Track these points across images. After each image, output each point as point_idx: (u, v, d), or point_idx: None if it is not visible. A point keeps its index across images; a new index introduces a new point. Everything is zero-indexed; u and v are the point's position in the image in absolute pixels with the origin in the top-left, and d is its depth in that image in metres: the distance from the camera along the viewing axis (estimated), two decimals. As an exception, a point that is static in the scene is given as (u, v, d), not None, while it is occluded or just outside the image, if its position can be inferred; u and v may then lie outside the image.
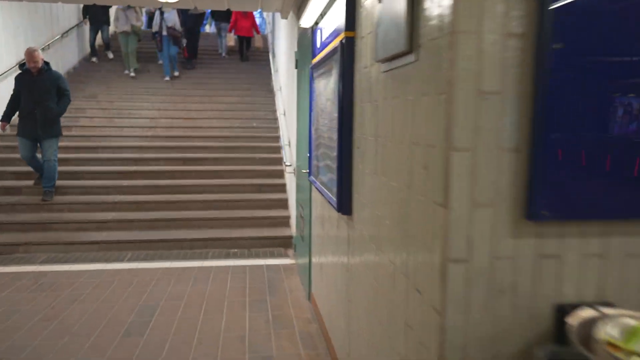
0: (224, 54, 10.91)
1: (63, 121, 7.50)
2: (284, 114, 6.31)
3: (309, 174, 3.07)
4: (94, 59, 9.68)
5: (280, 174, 6.37)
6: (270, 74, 9.65)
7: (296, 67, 4.35)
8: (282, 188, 6.04)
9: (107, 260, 4.56)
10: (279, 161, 6.67)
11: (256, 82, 9.26)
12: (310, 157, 3.05)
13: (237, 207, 5.64)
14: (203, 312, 3.39)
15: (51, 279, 4.03)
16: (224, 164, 6.58)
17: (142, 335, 3.03)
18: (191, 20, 9.72)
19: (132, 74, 9.13)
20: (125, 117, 7.63)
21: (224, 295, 3.72)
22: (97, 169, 6.12)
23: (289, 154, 5.32)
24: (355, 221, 2.05)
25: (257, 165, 6.60)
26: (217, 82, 9.20)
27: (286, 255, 4.81)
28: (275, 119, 7.91)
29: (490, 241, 1.18)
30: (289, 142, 5.46)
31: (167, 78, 9.06)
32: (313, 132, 2.91)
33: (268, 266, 4.46)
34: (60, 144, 6.75)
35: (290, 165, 4.81)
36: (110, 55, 9.87)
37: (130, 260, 4.60)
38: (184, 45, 9.40)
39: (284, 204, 5.71)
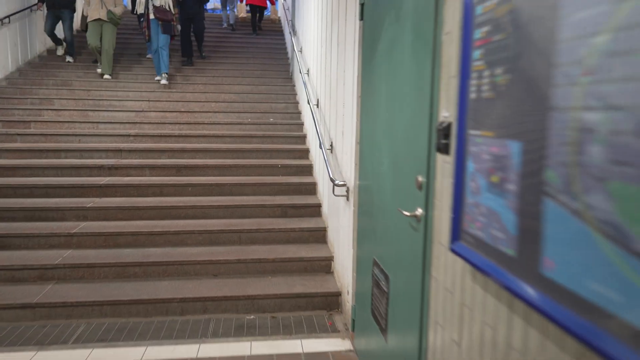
0: (232, 23, 9.35)
1: (20, 115, 5.76)
2: (317, 105, 4.47)
3: (453, 237, 1.24)
4: (59, 51, 7.26)
5: (312, 189, 4.54)
6: (288, 56, 7.85)
7: (361, 19, 2.52)
8: (316, 211, 4.21)
9: (41, 343, 2.75)
10: (308, 170, 4.85)
11: (271, 67, 7.43)
12: (457, 195, 1.21)
13: (253, 241, 3.82)
14: None
15: None
16: (232, 173, 4.77)
17: None
18: (192, 2, 7.17)
19: (107, 75, 6.57)
20: (103, 110, 5.81)
21: None
22: (53, 182, 4.30)
23: (334, 165, 3.48)
24: None
25: (278, 175, 4.78)
26: (224, 66, 7.36)
27: (334, 330, 2.98)
28: (299, 113, 6.08)
29: None
30: (332, 146, 3.63)
31: (158, 78, 6.56)
32: (477, 141, 1.08)
33: (308, 356, 2.64)
34: (10, 144, 4.98)
35: (343, 185, 2.96)
36: (69, 59, 7.05)
37: (79, 341, 2.78)
38: (177, 33, 6.80)
39: (321, 236, 3.88)
